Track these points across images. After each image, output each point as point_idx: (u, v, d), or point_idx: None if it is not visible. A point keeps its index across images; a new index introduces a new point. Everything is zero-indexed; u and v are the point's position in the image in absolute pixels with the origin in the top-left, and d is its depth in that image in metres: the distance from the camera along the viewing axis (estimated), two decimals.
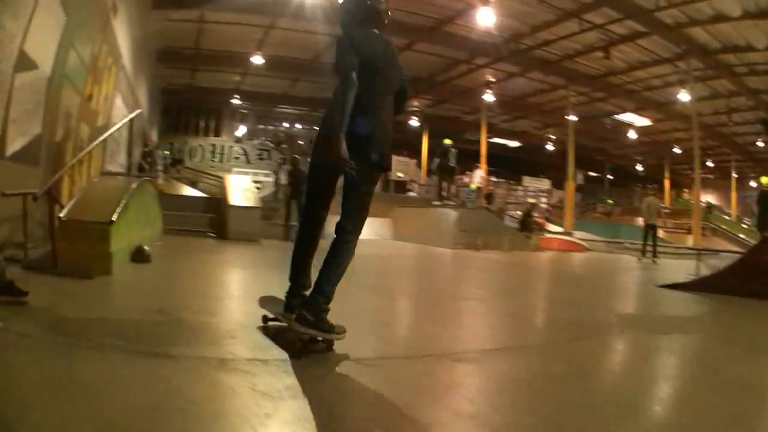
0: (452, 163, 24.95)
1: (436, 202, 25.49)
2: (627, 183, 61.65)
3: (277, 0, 24.60)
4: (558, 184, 50.02)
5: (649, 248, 22.28)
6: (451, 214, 23.40)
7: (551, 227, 32.21)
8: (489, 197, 35.91)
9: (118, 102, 18.48)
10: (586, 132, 41.04)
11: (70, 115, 11.77)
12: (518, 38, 28.63)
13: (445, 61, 33.41)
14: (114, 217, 8.53)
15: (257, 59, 31.81)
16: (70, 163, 10.67)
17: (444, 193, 25.98)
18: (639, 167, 59.71)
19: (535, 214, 29.28)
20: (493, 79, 35.60)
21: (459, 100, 41.36)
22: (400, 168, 45.91)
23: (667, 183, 55.13)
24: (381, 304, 8.67)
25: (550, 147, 51.24)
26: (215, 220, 18.55)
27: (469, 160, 39.92)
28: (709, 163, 51.06)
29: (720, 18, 23.94)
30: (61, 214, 8.39)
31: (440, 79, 36.71)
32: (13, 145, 8.51)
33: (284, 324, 5.18)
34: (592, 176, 57.47)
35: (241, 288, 8.98)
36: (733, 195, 41.79)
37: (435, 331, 6.67)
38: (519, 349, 6.01)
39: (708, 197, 57.32)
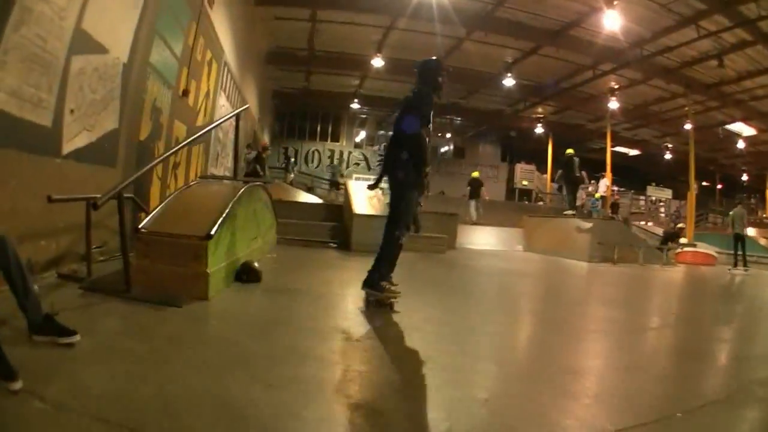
0: (577, 173, 24.13)
1: (568, 212, 24.06)
2: (733, 193, 57.83)
3: None
4: (675, 193, 49.00)
5: (739, 258, 21.70)
6: (586, 225, 21.73)
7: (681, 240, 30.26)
8: (614, 207, 34.41)
9: (222, 101, 17.27)
10: (699, 141, 38.48)
11: (159, 111, 10.24)
12: (641, 44, 26.81)
13: (570, 66, 31.68)
14: (213, 230, 6.65)
15: (377, 62, 30.16)
16: (150, 164, 8.73)
17: (578, 204, 26.10)
18: (744, 177, 56.62)
19: (682, 236, 27.53)
20: (617, 86, 33.67)
21: (583, 107, 39.44)
22: (525, 176, 44.49)
23: None
24: (541, 340, 6.84)
25: (668, 156, 49.17)
26: (337, 229, 16.75)
27: (590, 168, 38.68)
28: None
29: None
30: (141, 225, 6.68)
31: (565, 85, 35.04)
32: (74, 142, 6.86)
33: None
34: (704, 186, 55.42)
35: (380, 320, 6.63)
36: None
37: (632, 385, 4.82)
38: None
39: None
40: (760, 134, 39.45)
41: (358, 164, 47.09)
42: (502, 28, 25.78)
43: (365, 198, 16.99)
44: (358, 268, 10.68)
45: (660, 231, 29.64)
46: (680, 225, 27.33)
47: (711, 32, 24.03)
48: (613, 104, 34.49)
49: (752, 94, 31.63)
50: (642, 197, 47.04)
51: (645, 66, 29.01)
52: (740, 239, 21.68)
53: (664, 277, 17.83)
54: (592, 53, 28.03)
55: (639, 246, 22.04)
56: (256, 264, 8.19)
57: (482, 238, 22.88)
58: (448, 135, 49.51)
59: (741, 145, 41.85)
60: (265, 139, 33.52)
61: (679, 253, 24.86)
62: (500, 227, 25.04)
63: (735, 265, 21.56)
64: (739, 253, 21.58)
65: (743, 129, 39.37)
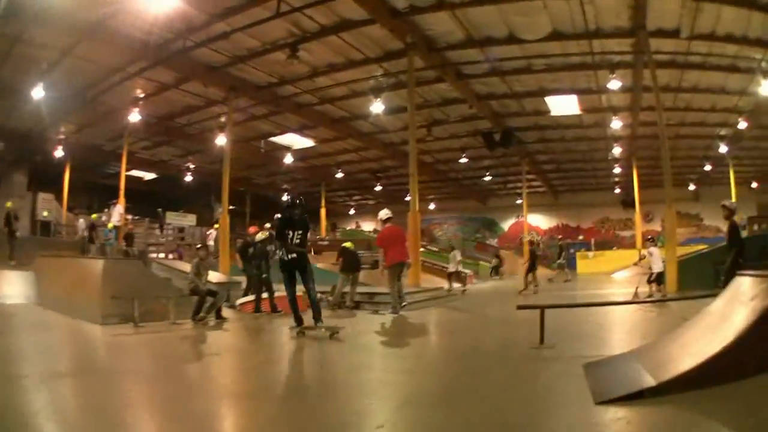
0: (15, 228, 25.53)
1: None
2: (266, 215, 56.79)
3: None
4: (200, 219, 46.07)
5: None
6: (96, 268, 15.87)
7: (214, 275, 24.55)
8: (129, 238, 30.76)
9: None
10: (233, 158, 32.95)
11: None
12: (189, 33, 21.79)
13: (100, 69, 25.55)
14: None
15: None
16: None
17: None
18: (285, 197, 54.90)
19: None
20: (143, 94, 28.50)
21: (103, 122, 33.24)
22: (45, 207, 38.98)
23: (323, 212, 52.41)
24: None
25: (189, 178, 46.22)
26: None
27: (105, 197, 37.22)
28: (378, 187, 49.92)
29: None
30: None
31: (91, 94, 28.37)
32: None
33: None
34: (232, 209, 53.43)
35: None
36: (412, 219, 34.64)
37: None
38: None
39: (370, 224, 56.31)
40: (320, 145, 37.83)
41: None
42: None
43: None
44: None
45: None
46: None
47: (294, 8, 19.68)
48: (135, 117, 29.13)
49: (325, 94, 29.01)
50: (156, 225, 42.95)
51: (184, 63, 24.32)
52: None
53: (208, 345, 12.26)
54: (130, 49, 22.70)
55: (168, 296, 16.02)
56: None
57: None
58: None
59: (289, 159, 39.44)
60: None
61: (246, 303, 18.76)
62: (14, 270, 19.66)
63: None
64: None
65: (295, 141, 37.06)
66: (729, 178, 42.82)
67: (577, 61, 25.21)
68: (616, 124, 31.78)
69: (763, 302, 6.22)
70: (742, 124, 31.85)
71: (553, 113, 32.22)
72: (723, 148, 37.18)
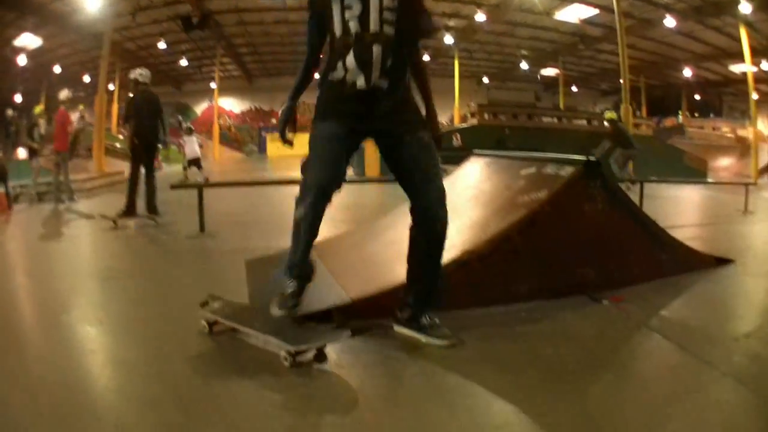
0: None
1: None
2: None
3: None
4: None
5: None
6: None
7: None
8: None
9: None
10: None
11: None
12: None
13: None
14: None
15: None
16: None
17: None
18: (18, 98, 48.72)
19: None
20: None
21: None
22: None
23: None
24: None
25: None
26: None
27: None
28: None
29: None
30: None
31: None
32: None
33: None
34: None
35: None
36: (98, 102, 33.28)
37: None
38: None
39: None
40: (47, 42, 35.70)
41: None
42: None
43: None
44: None
45: None
46: None
47: None
48: None
49: None
50: None
51: None
52: None
53: None
54: None
55: None
56: None
57: None
58: None
59: (24, 61, 36.72)
60: None
61: None
62: None
63: None
64: None
65: (31, 41, 34.87)
66: (453, 71, 44.17)
67: None
68: None
69: (533, 194, 5.18)
70: (480, 17, 32.22)
71: None
72: (449, 40, 37.33)
